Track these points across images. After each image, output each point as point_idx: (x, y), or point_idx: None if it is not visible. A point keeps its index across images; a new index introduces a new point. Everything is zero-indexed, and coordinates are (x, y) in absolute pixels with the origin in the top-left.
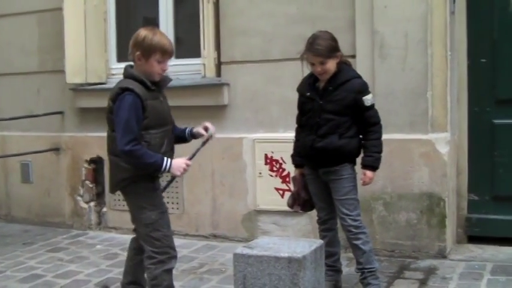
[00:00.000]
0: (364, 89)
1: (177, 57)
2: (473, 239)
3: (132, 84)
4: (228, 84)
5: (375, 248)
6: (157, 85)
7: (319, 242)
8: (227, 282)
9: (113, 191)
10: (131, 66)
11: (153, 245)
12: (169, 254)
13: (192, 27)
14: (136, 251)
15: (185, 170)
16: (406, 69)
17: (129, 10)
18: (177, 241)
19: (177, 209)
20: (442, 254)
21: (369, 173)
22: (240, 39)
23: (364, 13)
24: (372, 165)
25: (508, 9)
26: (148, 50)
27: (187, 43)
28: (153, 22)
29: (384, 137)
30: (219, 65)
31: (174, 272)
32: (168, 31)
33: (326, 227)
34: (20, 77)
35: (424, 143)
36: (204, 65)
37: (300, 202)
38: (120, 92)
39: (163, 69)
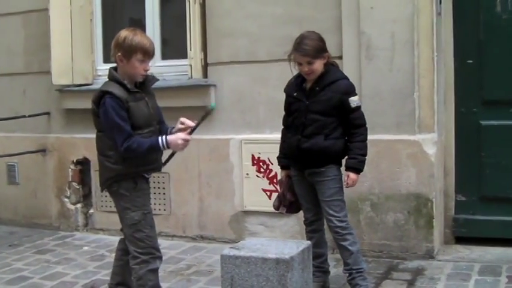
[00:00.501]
0: (351, 91)
1: (164, 58)
2: (460, 240)
3: (112, 87)
4: (214, 85)
5: (363, 249)
6: (143, 85)
7: (307, 243)
8: (215, 283)
9: (101, 189)
10: (115, 69)
11: (136, 246)
12: (153, 254)
13: (179, 28)
14: (123, 251)
15: (184, 146)
16: (393, 70)
17: (115, 11)
18: (164, 242)
19: (164, 210)
20: (429, 255)
21: (352, 175)
22: (226, 40)
23: (351, 14)
24: (355, 167)
25: (493, 10)
26: (129, 51)
27: (173, 44)
28: (139, 23)
29: (371, 137)
30: (205, 66)
31: (161, 273)
32: (154, 32)
33: (313, 228)
34: (6, 78)
35: (411, 144)
36: (190, 66)
37: (286, 204)
38: (101, 95)
39: (145, 69)
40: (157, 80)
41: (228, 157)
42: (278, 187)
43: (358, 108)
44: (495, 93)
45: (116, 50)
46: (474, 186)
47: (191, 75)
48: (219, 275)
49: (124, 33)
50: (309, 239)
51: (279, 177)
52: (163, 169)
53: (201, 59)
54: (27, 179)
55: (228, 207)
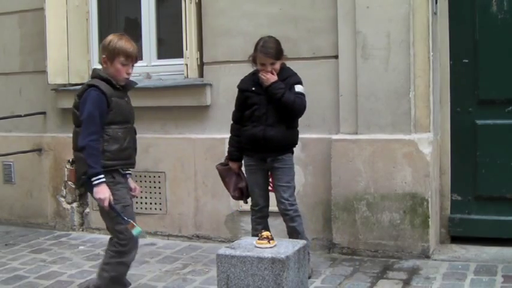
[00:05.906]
0: (299, 82)
1: (160, 57)
2: (456, 239)
3: (98, 83)
4: (210, 85)
5: (358, 248)
6: (123, 87)
7: (303, 242)
8: (210, 282)
9: (77, 185)
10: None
11: (117, 237)
12: (131, 246)
13: (175, 27)
14: None
15: (101, 200)
16: (389, 69)
17: (111, 10)
18: (160, 242)
19: (160, 209)
20: (425, 254)
21: (271, 75)
22: (222, 39)
23: (347, 13)
24: (277, 85)
25: (489, 9)
26: (112, 54)
27: (169, 43)
28: (135, 22)
29: (367, 137)
30: (201, 65)
31: (156, 272)
32: (150, 31)
33: (262, 215)
34: (2, 78)
35: (407, 143)
36: (186, 65)
37: (247, 193)
38: (86, 88)
39: (127, 72)
40: (136, 83)
41: (224, 156)
42: (224, 178)
43: (302, 94)
44: (491, 93)
45: (102, 52)
46: (470, 186)
47: (187, 75)
48: (215, 274)
49: (110, 37)
50: (257, 224)
51: (226, 170)
52: (159, 168)
53: (197, 59)
54: (23, 178)
55: (224, 206)
